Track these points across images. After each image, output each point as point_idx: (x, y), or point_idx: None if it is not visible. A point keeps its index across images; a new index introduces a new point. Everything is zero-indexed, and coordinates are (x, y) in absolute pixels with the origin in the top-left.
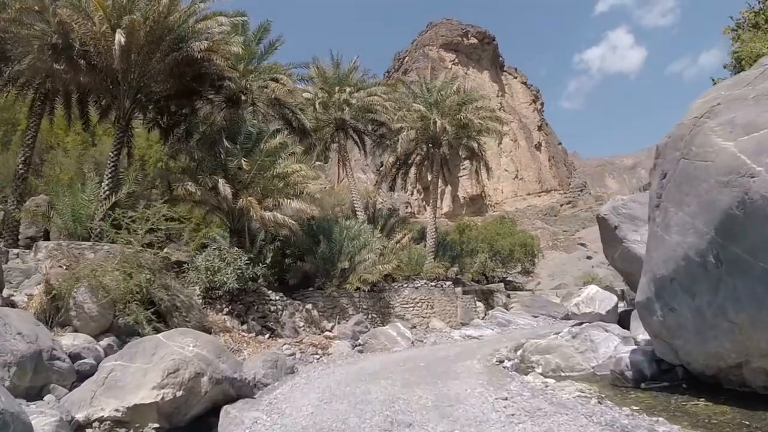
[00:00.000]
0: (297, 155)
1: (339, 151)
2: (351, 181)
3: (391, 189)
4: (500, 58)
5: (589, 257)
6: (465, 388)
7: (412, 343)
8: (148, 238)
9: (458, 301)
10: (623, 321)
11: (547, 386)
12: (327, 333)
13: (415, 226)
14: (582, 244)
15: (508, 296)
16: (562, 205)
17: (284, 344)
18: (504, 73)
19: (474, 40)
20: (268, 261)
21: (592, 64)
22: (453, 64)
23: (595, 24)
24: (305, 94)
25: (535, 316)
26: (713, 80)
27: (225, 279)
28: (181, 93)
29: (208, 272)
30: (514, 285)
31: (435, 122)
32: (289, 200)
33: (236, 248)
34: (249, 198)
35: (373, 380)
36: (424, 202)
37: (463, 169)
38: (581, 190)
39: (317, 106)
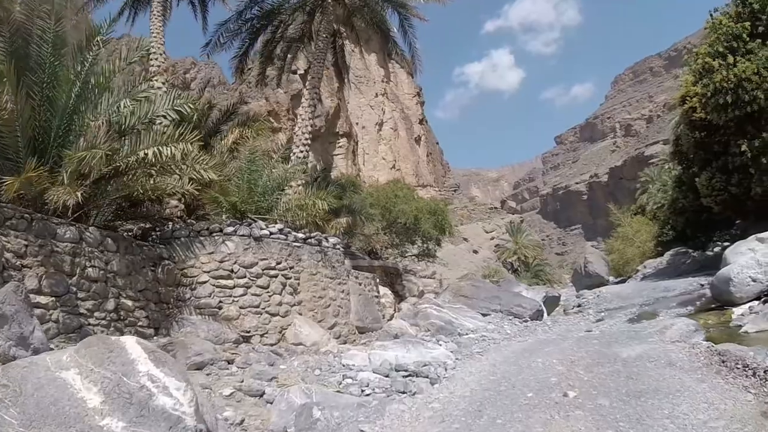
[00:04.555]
0: None
1: None
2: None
3: (240, 71)
4: (389, 45)
5: (475, 251)
6: None
7: None
8: None
9: (350, 283)
10: None
11: None
12: None
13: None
14: (465, 239)
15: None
16: (438, 204)
17: None
18: (391, 60)
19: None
20: None
21: (472, 78)
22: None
23: (480, 41)
24: None
25: (485, 314)
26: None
27: None
28: None
29: None
30: (407, 270)
31: None
32: None
33: None
34: None
35: None
36: None
37: (339, 147)
38: (455, 191)
39: None
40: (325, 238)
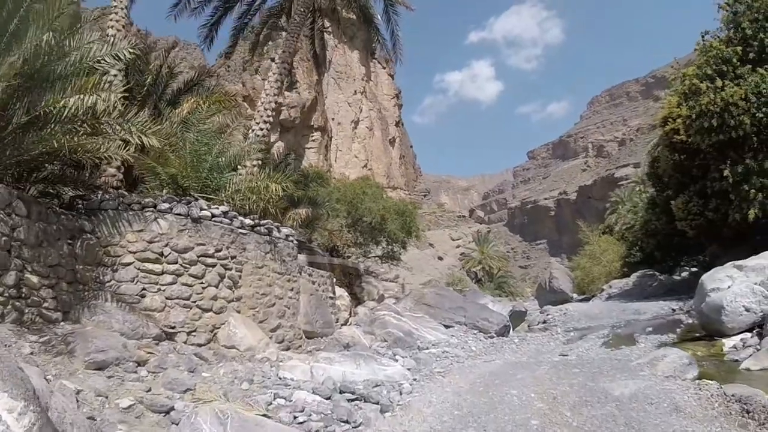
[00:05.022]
0: None
1: None
2: None
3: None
4: (373, 45)
5: (440, 258)
6: None
7: None
8: None
9: (302, 280)
10: None
11: None
12: None
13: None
14: (431, 244)
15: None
16: (407, 206)
17: None
18: (374, 60)
19: (353, 16)
20: None
21: (451, 86)
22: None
23: (463, 51)
24: None
25: (448, 326)
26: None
27: None
28: None
29: None
30: (369, 272)
31: None
32: None
33: None
34: None
35: None
36: None
37: (312, 141)
38: (425, 196)
39: None
40: (277, 228)
